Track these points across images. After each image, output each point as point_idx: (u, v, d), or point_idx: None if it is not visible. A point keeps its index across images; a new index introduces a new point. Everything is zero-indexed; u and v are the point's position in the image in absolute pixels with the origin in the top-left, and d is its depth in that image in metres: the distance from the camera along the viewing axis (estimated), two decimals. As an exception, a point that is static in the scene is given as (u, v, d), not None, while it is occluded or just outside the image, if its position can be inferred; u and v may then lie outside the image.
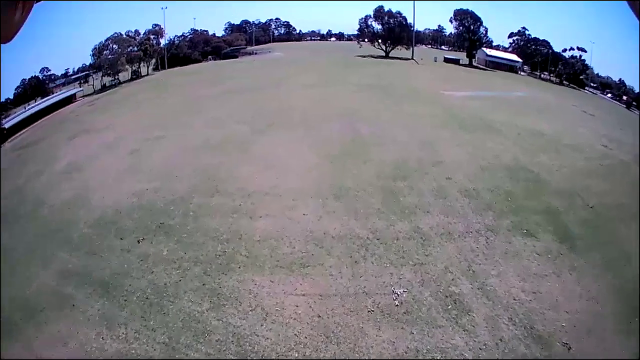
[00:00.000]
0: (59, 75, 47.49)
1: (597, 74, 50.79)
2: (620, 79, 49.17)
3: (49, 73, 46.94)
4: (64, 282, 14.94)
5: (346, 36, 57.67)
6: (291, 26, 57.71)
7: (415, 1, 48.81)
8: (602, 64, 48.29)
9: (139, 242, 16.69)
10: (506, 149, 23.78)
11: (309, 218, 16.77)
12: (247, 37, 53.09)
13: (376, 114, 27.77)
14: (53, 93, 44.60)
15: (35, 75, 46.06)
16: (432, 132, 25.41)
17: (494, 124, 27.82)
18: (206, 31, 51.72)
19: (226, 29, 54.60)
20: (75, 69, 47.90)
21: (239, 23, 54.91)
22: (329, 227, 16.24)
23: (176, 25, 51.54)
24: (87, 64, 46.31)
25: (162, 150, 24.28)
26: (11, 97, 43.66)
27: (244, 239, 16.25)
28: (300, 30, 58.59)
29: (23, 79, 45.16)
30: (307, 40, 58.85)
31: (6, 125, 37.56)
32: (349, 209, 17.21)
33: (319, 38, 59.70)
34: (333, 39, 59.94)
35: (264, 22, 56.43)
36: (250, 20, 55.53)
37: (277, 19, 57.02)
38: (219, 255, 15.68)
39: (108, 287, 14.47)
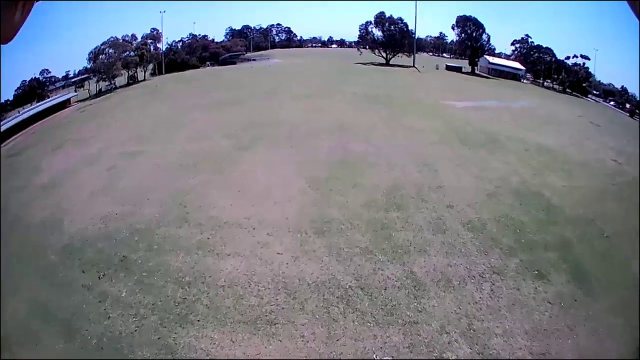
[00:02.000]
0: (60, 77, 45.13)
1: (600, 81, 47.72)
2: (622, 86, 46.24)
3: (48, 75, 44.60)
4: (31, 316, 13.37)
5: (347, 43, 54.10)
6: (292, 32, 54.27)
7: (417, 5, 45.23)
8: (604, 71, 45.16)
9: (99, 278, 14.56)
10: (513, 169, 20.57)
11: (284, 259, 13.68)
12: (246, 43, 49.72)
13: (371, 129, 24.49)
14: (49, 97, 42.12)
15: (35, 77, 43.81)
16: (431, 149, 22.15)
17: (499, 139, 24.56)
18: (206, 36, 48.61)
19: (227, 34, 51.40)
20: (76, 72, 45.48)
21: (239, 28, 51.65)
22: (306, 271, 13.15)
23: (176, 30, 48.55)
24: (84, 67, 43.55)
25: (140, 168, 21.49)
26: (11, 98, 41.71)
27: (207, 283, 13.36)
28: (301, 37, 55.16)
29: (23, 80, 42.96)
30: (308, 46, 55.37)
31: (2, 128, 35.09)
32: (331, 248, 14.07)
33: (320, 45, 56.19)
34: (334, 45, 56.39)
35: (265, 27, 53.07)
36: (252, 26, 52.22)
37: (278, 24, 53.66)
38: (178, 303, 13.09)
39: (69, 328, 12.79)
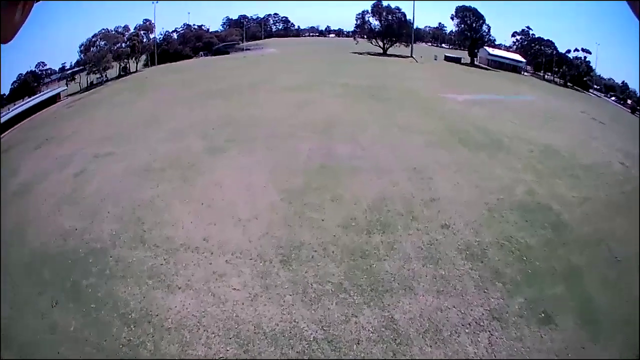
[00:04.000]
0: (57, 69, 42.20)
1: (600, 75, 44.09)
2: (623, 81, 42.66)
3: (44, 68, 41.67)
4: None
5: (345, 32, 50.03)
6: (289, 22, 50.23)
7: (416, -2, 41.19)
8: (605, 66, 41.62)
9: (52, 306, 12.57)
10: (518, 177, 17.39)
11: (239, 296, 10.81)
12: (242, 33, 45.90)
13: (360, 127, 21.13)
14: (41, 91, 39.28)
15: (31, 70, 40.98)
16: (427, 152, 18.87)
17: (502, 139, 21.24)
18: (202, 26, 44.92)
19: (224, 24, 47.61)
20: (72, 64, 42.54)
21: (236, 18, 47.79)
22: (263, 314, 10.26)
23: (171, 20, 45.04)
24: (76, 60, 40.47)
25: (107, 172, 18.77)
26: (7, 92, 39.08)
27: (153, 324, 10.67)
28: (298, 26, 51.13)
29: (20, 74, 40.14)
30: (305, 36, 51.41)
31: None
32: (297, 284, 11.11)
33: (317, 34, 52.18)
34: (332, 35, 52.35)
35: (262, 17, 49.12)
36: (249, 15, 48.26)
37: (275, 14, 49.65)
38: (122, 345, 10.60)
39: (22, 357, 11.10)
